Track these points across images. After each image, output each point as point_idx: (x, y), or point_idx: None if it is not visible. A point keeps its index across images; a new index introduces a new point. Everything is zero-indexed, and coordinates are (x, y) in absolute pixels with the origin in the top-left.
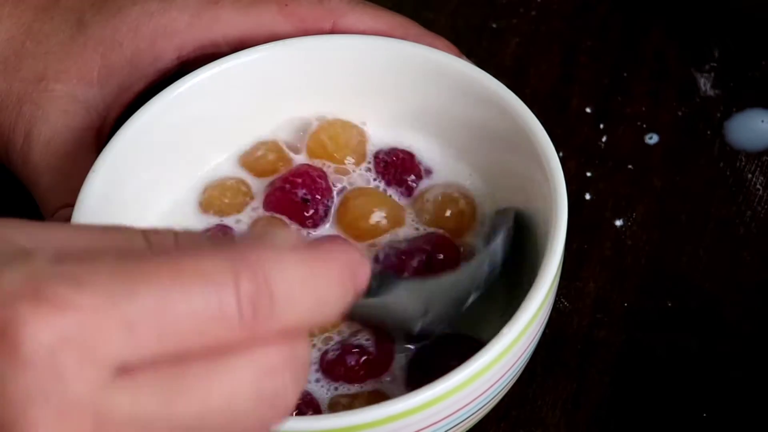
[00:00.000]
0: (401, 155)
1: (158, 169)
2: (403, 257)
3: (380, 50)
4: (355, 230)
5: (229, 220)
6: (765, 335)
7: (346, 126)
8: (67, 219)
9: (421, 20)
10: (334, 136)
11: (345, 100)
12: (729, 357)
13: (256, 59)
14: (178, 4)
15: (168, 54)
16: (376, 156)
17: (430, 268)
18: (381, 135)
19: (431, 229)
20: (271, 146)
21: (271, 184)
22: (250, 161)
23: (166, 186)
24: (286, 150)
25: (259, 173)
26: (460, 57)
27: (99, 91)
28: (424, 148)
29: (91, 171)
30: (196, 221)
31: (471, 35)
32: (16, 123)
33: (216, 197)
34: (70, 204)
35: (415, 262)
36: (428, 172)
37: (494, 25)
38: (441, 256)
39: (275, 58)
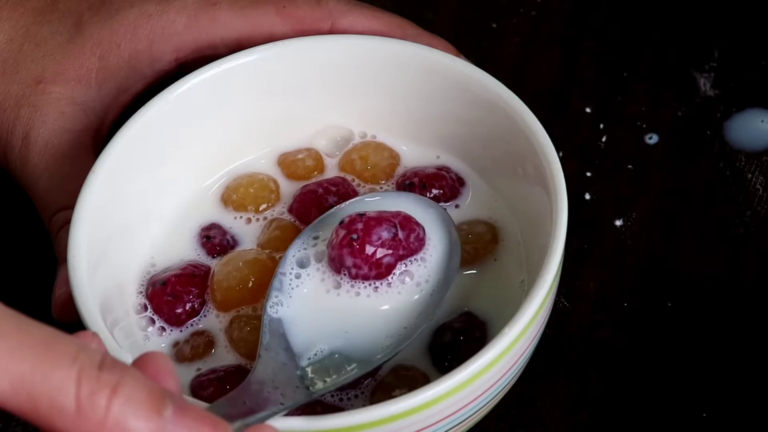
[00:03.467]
0: (420, 180)
1: (158, 169)
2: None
3: (379, 50)
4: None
5: (247, 215)
6: (765, 335)
7: (378, 147)
8: (66, 221)
9: (421, 20)
10: (364, 156)
11: (344, 100)
12: (729, 357)
13: (255, 60)
14: (175, 6)
15: (166, 55)
16: (398, 181)
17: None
18: (382, 136)
19: None
20: (313, 153)
21: (304, 186)
22: (288, 161)
23: (167, 186)
24: (325, 159)
25: (292, 173)
26: (458, 57)
27: (97, 93)
28: (423, 149)
29: (90, 172)
30: (201, 220)
31: (471, 35)
32: (15, 126)
33: (243, 186)
34: (69, 206)
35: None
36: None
37: (494, 25)
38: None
39: (274, 59)
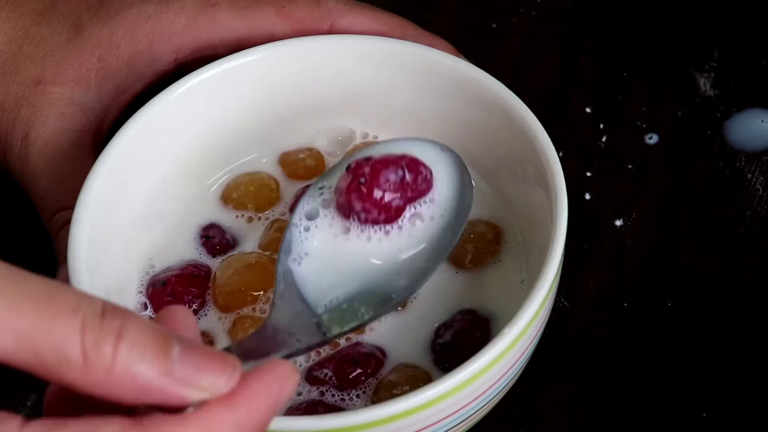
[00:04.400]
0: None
1: (158, 169)
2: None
3: (379, 50)
4: None
5: (247, 213)
6: (765, 335)
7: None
8: (66, 221)
9: (421, 20)
10: None
11: (344, 100)
12: (729, 357)
13: (255, 60)
14: (174, 7)
15: (165, 56)
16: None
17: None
18: (383, 136)
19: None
20: (314, 153)
21: (306, 186)
22: (289, 160)
23: (167, 186)
24: (327, 159)
25: (292, 173)
26: (458, 57)
27: (96, 94)
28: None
29: (90, 172)
30: (201, 220)
31: (471, 35)
32: (14, 126)
33: (243, 184)
34: (69, 206)
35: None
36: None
37: (494, 25)
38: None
39: (275, 59)
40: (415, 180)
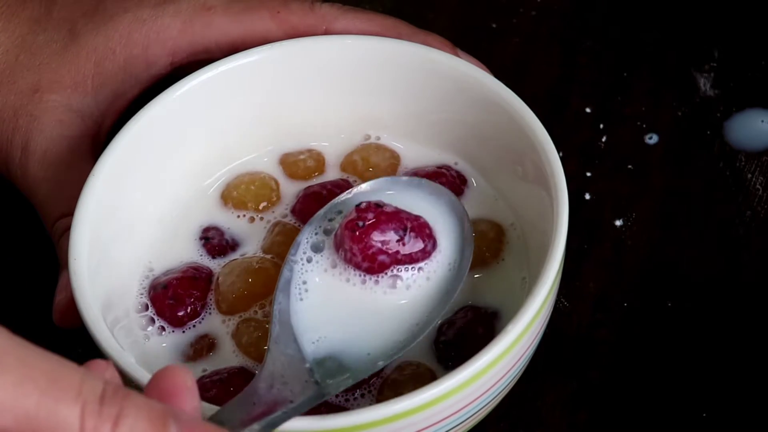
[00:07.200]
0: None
1: (158, 171)
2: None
3: (378, 51)
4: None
5: (248, 213)
6: (765, 335)
7: (379, 148)
8: (68, 227)
9: (421, 20)
10: (365, 158)
11: (344, 100)
12: (729, 357)
13: (255, 61)
14: (170, 11)
15: (161, 60)
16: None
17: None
18: (384, 136)
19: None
20: (314, 154)
21: (308, 188)
22: (289, 161)
23: (167, 187)
24: (327, 160)
25: (293, 173)
26: (454, 51)
27: (93, 99)
28: (423, 149)
29: (90, 176)
30: (201, 221)
31: (471, 35)
32: (14, 136)
33: (244, 183)
34: (70, 212)
35: (390, 233)
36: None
37: (494, 25)
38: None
39: (274, 60)
40: (412, 245)
